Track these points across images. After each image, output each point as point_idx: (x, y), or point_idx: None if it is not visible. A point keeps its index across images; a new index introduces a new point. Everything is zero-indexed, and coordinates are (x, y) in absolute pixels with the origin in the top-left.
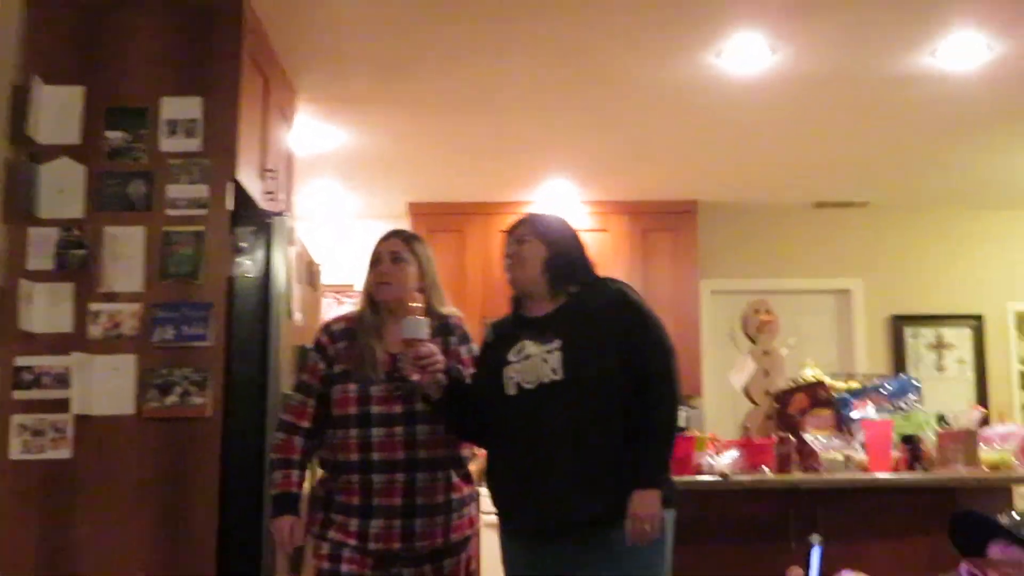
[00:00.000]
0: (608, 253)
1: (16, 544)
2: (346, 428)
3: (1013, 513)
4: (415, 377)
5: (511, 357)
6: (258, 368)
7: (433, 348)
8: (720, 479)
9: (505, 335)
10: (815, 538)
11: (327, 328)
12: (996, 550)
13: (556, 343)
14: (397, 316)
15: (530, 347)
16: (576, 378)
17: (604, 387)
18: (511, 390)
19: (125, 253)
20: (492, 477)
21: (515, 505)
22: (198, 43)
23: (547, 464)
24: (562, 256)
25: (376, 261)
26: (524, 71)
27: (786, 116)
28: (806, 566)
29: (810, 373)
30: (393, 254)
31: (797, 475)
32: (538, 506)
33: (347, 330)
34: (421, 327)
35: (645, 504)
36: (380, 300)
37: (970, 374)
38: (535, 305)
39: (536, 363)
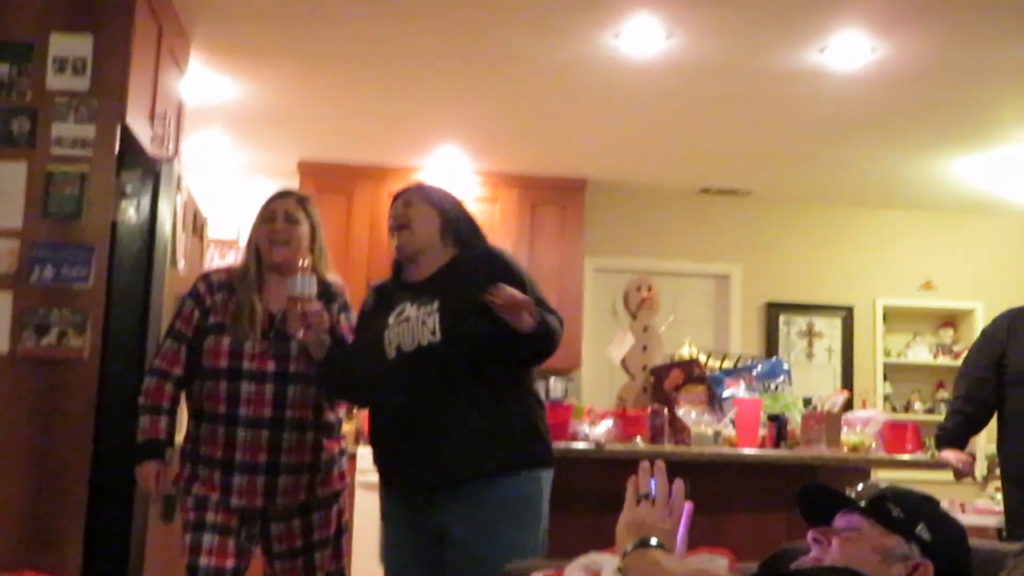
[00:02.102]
0: (496, 225)
1: None
2: (216, 380)
3: (859, 485)
4: (299, 334)
5: (391, 320)
6: (138, 314)
7: (319, 306)
8: (594, 447)
9: (385, 299)
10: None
11: (206, 277)
12: (841, 520)
13: (435, 304)
14: (282, 275)
15: (409, 310)
16: (453, 339)
17: (478, 347)
18: (391, 353)
19: (4, 189)
20: (373, 437)
21: (393, 464)
22: None
23: (424, 423)
24: (454, 220)
25: (269, 219)
26: (421, 38)
27: (677, 102)
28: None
29: (687, 351)
30: (287, 214)
31: (668, 447)
32: (415, 464)
33: (227, 283)
34: (309, 284)
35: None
36: (272, 259)
37: (837, 363)
38: (417, 270)
39: (415, 325)
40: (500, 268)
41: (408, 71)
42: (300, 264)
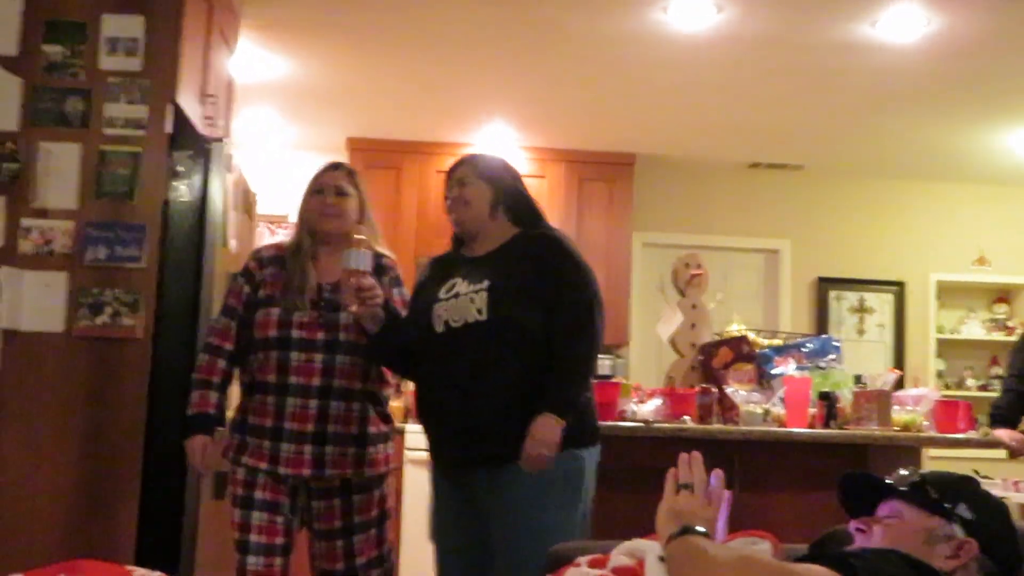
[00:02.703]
0: (544, 200)
1: None
2: (266, 350)
3: (900, 470)
4: (353, 308)
5: (441, 294)
6: (191, 293)
7: (373, 281)
8: (642, 426)
9: (440, 272)
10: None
11: (256, 253)
12: (883, 508)
13: (484, 283)
14: (333, 248)
15: (460, 285)
16: (499, 319)
17: (526, 329)
18: (439, 327)
19: (59, 170)
20: (420, 411)
21: (438, 440)
22: None
23: (466, 400)
24: (509, 196)
25: (319, 191)
26: (472, 12)
27: (727, 75)
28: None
29: (735, 328)
30: (337, 187)
31: (717, 426)
32: (458, 441)
33: (277, 257)
34: (364, 258)
35: (544, 428)
36: (324, 230)
37: (889, 339)
38: (479, 245)
39: (464, 302)
40: (554, 254)
41: (457, 46)
42: (355, 238)
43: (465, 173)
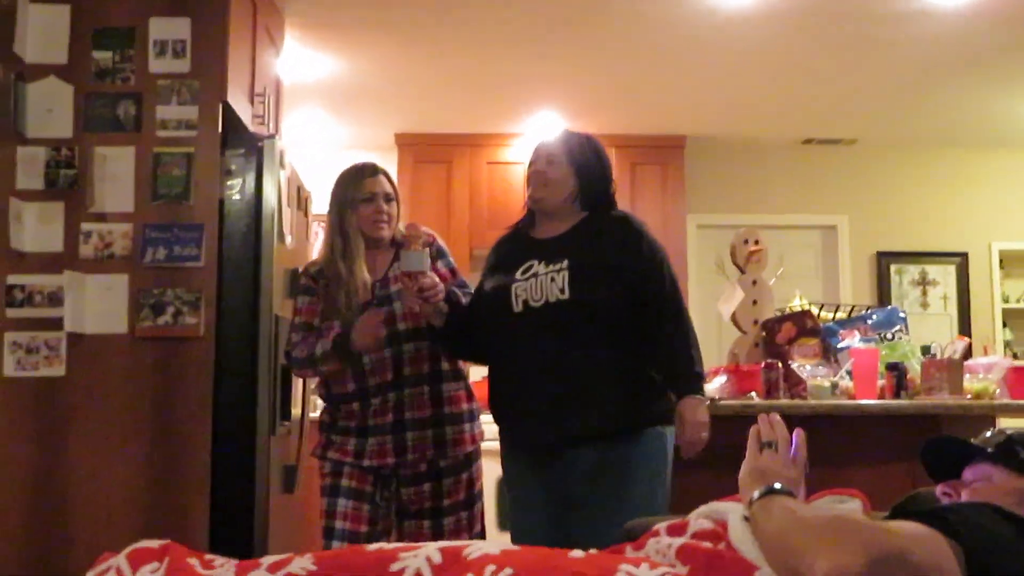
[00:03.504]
0: None
1: (10, 461)
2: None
3: (985, 432)
4: (417, 308)
5: (518, 275)
6: (250, 290)
7: (434, 279)
8: (708, 404)
9: (511, 254)
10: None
11: (306, 272)
12: (969, 472)
13: (564, 263)
14: (377, 247)
15: (537, 266)
16: (582, 299)
17: (608, 309)
18: (518, 307)
19: (115, 174)
20: (496, 394)
21: (517, 422)
22: None
23: (548, 380)
24: (590, 186)
25: (370, 199)
26: (515, 2)
27: (776, 51)
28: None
29: (798, 303)
30: (386, 194)
31: (784, 401)
32: (540, 422)
33: (321, 270)
34: (423, 260)
35: (695, 411)
36: (378, 237)
37: (953, 311)
38: (548, 226)
39: (544, 281)
40: (632, 234)
41: (503, 36)
42: (409, 235)
43: (556, 152)
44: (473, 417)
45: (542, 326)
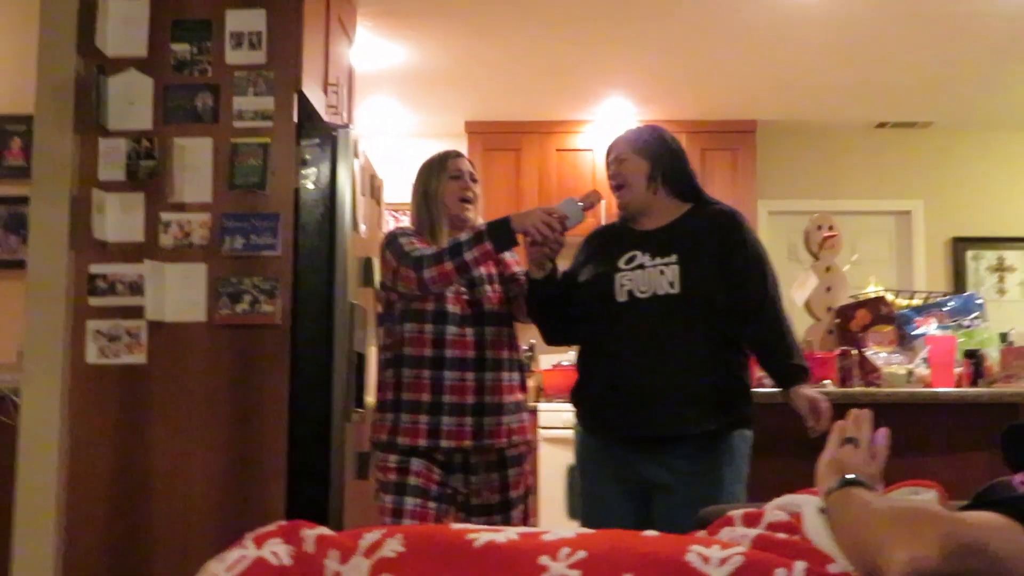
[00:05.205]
0: None
1: (93, 446)
2: (421, 323)
3: None
4: (539, 239)
5: (622, 265)
6: (325, 278)
7: (562, 235)
8: (780, 391)
9: (609, 244)
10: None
11: (403, 230)
12: None
13: (673, 257)
14: (457, 228)
15: (642, 257)
16: (692, 294)
17: (715, 306)
18: (622, 297)
19: (193, 164)
20: (587, 381)
21: (608, 411)
22: None
23: (649, 373)
24: (664, 167)
25: (457, 176)
26: None
27: (848, 33)
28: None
29: (872, 290)
30: (471, 174)
31: (859, 389)
32: (635, 413)
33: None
34: (580, 216)
35: (817, 398)
36: (462, 216)
37: None
38: (646, 220)
39: (652, 273)
40: (736, 229)
41: (571, 22)
42: (593, 194)
43: (622, 150)
44: (527, 408)
45: (648, 318)
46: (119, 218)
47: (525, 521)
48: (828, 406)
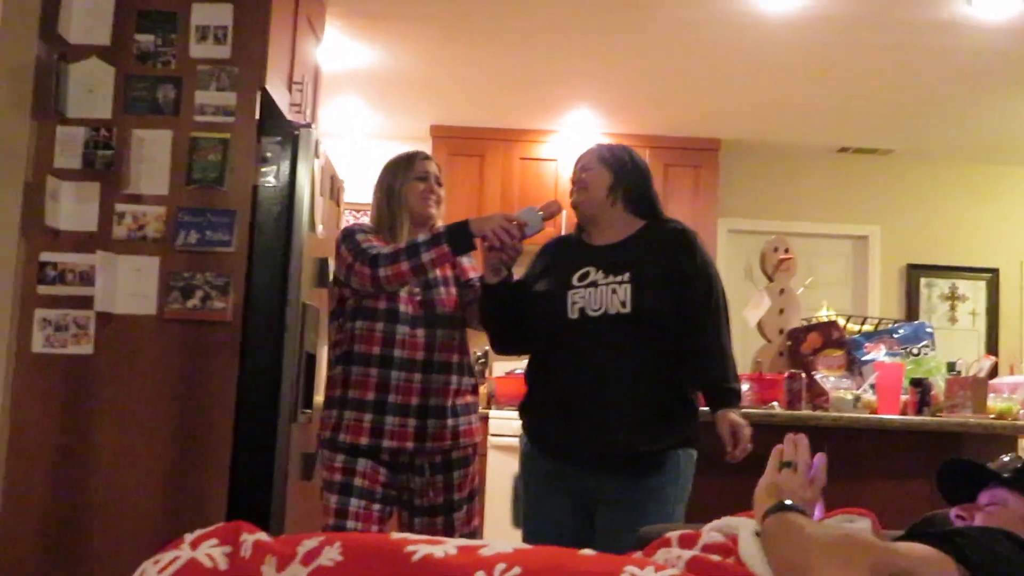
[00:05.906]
0: None
1: (36, 436)
2: (372, 320)
3: (1002, 457)
4: (497, 245)
5: (575, 282)
6: (279, 277)
7: (521, 243)
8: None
9: (563, 259)
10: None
11: (360, 227)
12: (985, 496)
13: (626, 275)
14: (418, 230)
15: (595, 274)
16: (643, 314)
17: (666, 325)
18: (573, 314)
19: (151, 156)
20: (535, 395)
21: (556, 428)
22: None
23: (598, 391)
24: (626, 183)
25: (423, 178)
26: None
27: (815, 57)
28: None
29: (825, 314)
30: (436, 177)
31: (806, 412)
32: (583, 431)
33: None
34: (539, 226)
35: (741, 425)
36: (427, 215)
37: (982, 327)
38: (600, 233)
39: (604, 292)
40: (688, 248)
41: (540, 32)
42: (552, 204)
43: (589, 160)
44: (476, 410)
45: (598, 337)
46: (73, 207)
47: (470, 523)
48: (749, 434)
